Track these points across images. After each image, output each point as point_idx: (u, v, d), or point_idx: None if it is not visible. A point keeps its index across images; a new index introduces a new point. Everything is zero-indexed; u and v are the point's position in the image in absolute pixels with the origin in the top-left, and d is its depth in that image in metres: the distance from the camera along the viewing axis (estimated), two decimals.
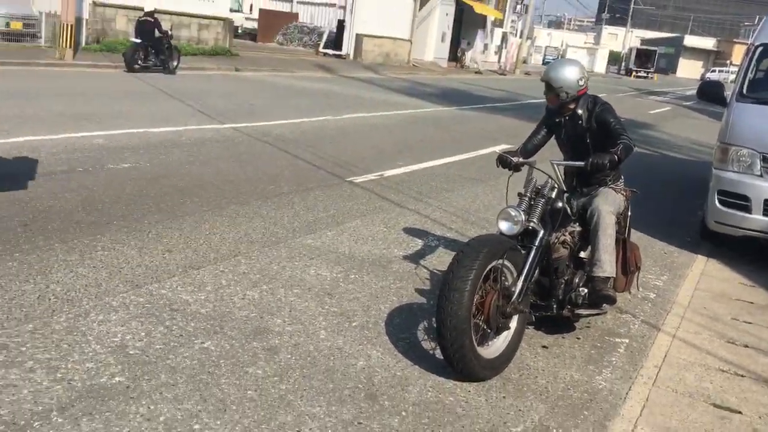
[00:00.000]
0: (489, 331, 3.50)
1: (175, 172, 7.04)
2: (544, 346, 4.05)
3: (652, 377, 3.76)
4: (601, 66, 68.04)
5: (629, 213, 4.49)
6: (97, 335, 3.48)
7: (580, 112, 4.08)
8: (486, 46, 42.22)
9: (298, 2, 34.27)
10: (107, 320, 3.66)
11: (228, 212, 5.88)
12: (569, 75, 3.97)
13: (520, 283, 3.57)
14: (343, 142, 10.28)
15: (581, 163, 3.88)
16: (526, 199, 3.82)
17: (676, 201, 8.98)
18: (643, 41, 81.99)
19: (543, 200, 3.78)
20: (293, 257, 4.99)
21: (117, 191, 6.06)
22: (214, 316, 3.86)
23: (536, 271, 3.78)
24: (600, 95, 4.36)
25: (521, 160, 4.17)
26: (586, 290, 3.95)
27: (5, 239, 4.60)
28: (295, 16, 33.84)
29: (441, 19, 37.11)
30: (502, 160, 4.17)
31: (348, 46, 30.22)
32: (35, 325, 3.51)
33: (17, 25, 17.53)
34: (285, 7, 34.28)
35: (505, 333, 3.59)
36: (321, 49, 30.46)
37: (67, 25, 16.09)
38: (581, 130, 4.11)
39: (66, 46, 16.09)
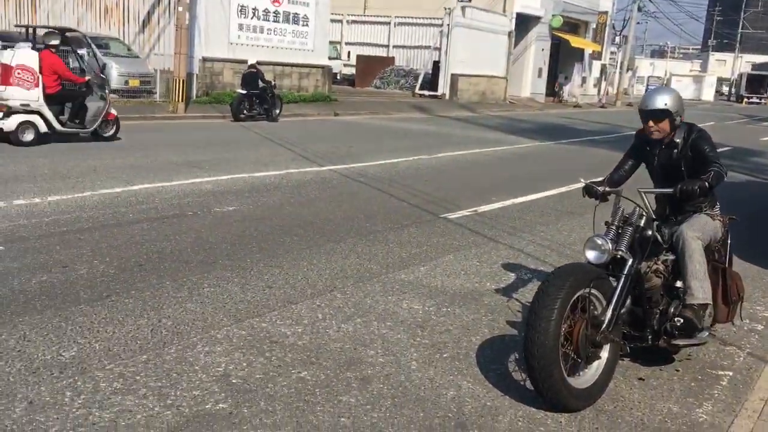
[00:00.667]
0: (579, 360, 3.48)
1: (277, 213, 7.39)
2: (640, 378, 3.96)
3: (757, 410, 3.60)
4: (708, 94, 65.33)
5: (729, 240, 4.35)
6: (203, 365, 3.72)
7: (677, 140, 4.02)
8: (584, 79, 41.62)
9: (394, 46, 35.11)
10: (212, 351, 3.90)
11: (325, 249, 6.12)
12: (677, 98, 3.96)
13: (609, 312, 3.53)
14: (438, 179, 10.43)
15: (670, 190, 3.84)
16: (614, 228, 3.79)
17: None
18: (754, 66, 78.16)
19: (631, 229, 3.73)
20: (386, 292, 5.13)
21: (223, 232, 6.43)
22: (311, 348, 4.03)
23: (628, 301, 3.72)
24: (707, 123, 4.31)
25: (608, 189, 4.13)
26: (681, 320, 3.84)
27: (123, 279, 4.99)
28: (392, 60, 34.66)
29: (537, 55, 36.99)
30: (589, 190, 4.16)
31: (444, 87, 30.61)
32: (148, 356, 3.80)
33: (135, 83, 18.95)
34: (382, 52, 35.19)
35: (596, 363, 3.56)
36: (417, 91, 31.01)
37: (179, 80, 17.26)
38: (677, 158, 4.04)
39: (178, 100, 17.23)
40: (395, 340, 4.23)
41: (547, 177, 11.43)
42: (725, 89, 73.48)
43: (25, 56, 10.75)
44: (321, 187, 9.15)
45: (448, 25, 30.01)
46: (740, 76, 69.57)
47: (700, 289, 3.85)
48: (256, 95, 17.49)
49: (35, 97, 10.82)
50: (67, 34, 12.66)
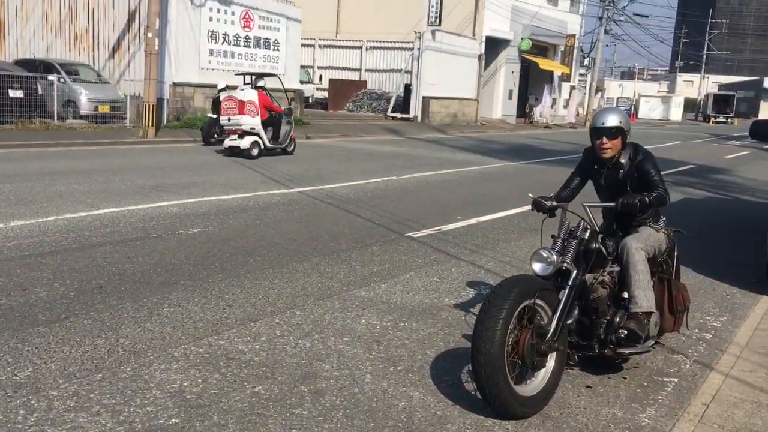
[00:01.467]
0: (526, 369, 3.59)
1: (242, 235, 7.45)
2: (588, 386, 4.07)
3: (698, 414, 3.72)
4: (677, 114, 66.70)
5: (676, 253, 4.53)
6: (158, 382, 3.77)
7: (623, 160, 4.20)
8: (554, 101, 42.27)
9: (366, 70, 35.47)
10: (168, 369, 3.95)
11: (288, 269, 6.19)
12: (627, 117, 4.20)
13: (554, 322, 3.65)
14: (405, 200, 10.56)
15: (612, 204, 4.01)
16: (560, 240, 3.93)
17: (743, 243, 8.75)
18: (721, 86, 79.97)
19: (576, 241, 3.87)
20: (346, 308, 5.21)
21: (186, 254, 6.48)
22: (267, 363, 4.09)
23: (575, 311, 3.86)
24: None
25: (555, 203, 4.28)
26: (625, 331, 3.96)
27: (83, 301, 5.02)
28: (364, 83, 34.99)
29: (507, 77, 37.57)
30: (537, 204, 4.32)
31: (415, 109, 30.94)
32: (104, 374, 3.83)
33: (105, 109, 18.94)
34: (354, 76, 35.52)
35: (542, 371, 3.67)
36: (389, 114, 31.30)
37: (149, 105, 17.29)
38: (623, 177, 4.22)
39: (149, 125, 17.25)
40: (351, 355, 4.31)
41: (512, 196, 11.61)
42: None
43: (250, 94, 15.02)
44: (288, 208, 9.23)
45: (419, 48, 30.42)
46: (707, 96, 71.16)
47: (644, 298, 4.01)
48: None
49: (257, 123, 14.81)
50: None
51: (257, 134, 14.83)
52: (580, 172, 4.51)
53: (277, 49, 23.38)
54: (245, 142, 14.57)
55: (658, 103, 69.26)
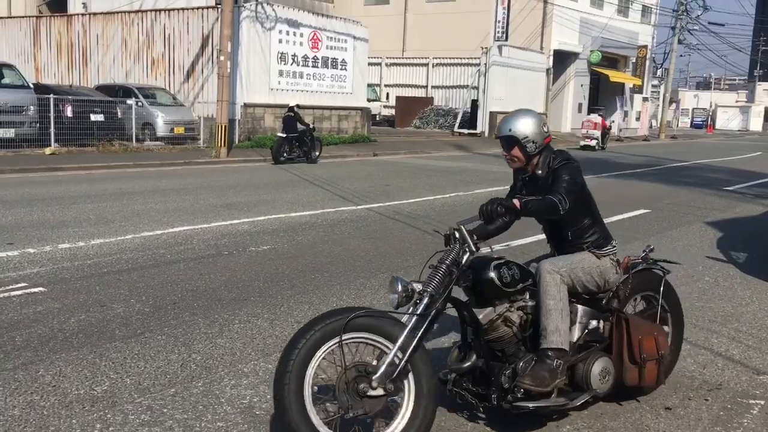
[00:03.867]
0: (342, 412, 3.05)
1: (310, 251, 7.52)
2: (667, 408, 3.89)
3: None
4: (756, 124, 64.11)
5: (662, 289, 3.92)
6: (228, 398, 3.81)
7: (539, 172, 3.61)
8: (626, 113, 41.30)
9: (432, 86, 35.54)
10: (238, 384, 3.99)
11: (356, 285, 6.20)
12: (528, 123, 3.54)
13: (389, 357, 3.03)
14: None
15: (478, 216, 3.37)
16: (433, 268, 3.32)
17: None
18: None
19: (444, 266, 3.28)
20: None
21: (256, 271, 6.57)
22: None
23: (472, 353, 3.38)
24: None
25: (453, 228, 3.49)
26: (522, 388, 3.28)
27: (157, 316, 5.15)
28: (431, 99, 35.05)
29: (576, 90, 36.98)
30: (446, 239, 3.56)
31: (483, 124, 30.76)
32: (176, 389, 3.90)
33: (180, 130, 19.59)
34: (420, 93, 35.64)
35: (397, 416, 3.11)
36: (456, 129, 31.23)
37: (222, 126, 17.77)
38: (540, 189, 3.58)
39: (221, 145, 17.72)
40: None
41: None
42: None
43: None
44: (355, 225, 9.28)
45: (486, 64, 30.29)
46: None
47: (553, 331, 3.35)
48: (296, 138, 17.86)
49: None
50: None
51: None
52: (512, 188, 3.89)
53: (345, 69, 23.69)
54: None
55: (737, 113, 66.70)
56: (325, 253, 7.46)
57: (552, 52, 34.27)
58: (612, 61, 40.00)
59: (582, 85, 37.37)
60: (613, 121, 39.30)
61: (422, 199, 11.96)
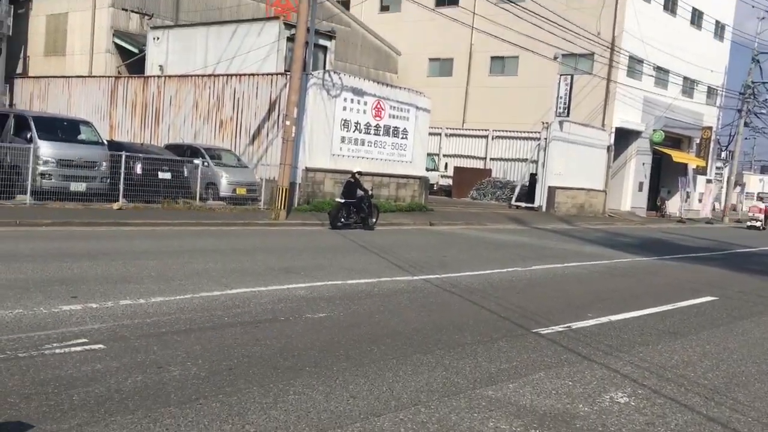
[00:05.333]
0: None
1: (366, 321, 7.42)
2: None
3: None
4: None
5: None
6: None
7: None
8: (688, 194, 40.43)
9: (491, 158, 35.64)
10: None
11: (412, 360, 6.05)
12: None
13: None
14: (531, 292, 10.23)
15: None
16: None
17: None
18: None
19: None
20: (472, 408, 4.97)
21: (312, 339, 6.51)
22: None
23: None
24: None
25: None
26: None
27: (213, 382, 5.11)
28: (489, 171, 35.08)
29: (637, 169, 36.51)
30: None
31: (540, 199, 30.51)
32: None
33: (242, 191, 20.01)
34: (479, 164, 35.76)
35: None
36: (514, 203, 31.05)
37: (282, 189, 18.08)
38: None
39: (281, 208, 17.99)
40: None
41: (646, 294, 11.00)
42: None
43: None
44: (412, 296, 9.16)
45: (546, 138, 30.26)
46: None
47: None
48: (354, 204, 18.00)
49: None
50: None
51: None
52: None
53: (406, 138, 23.99)
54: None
55: None
56: (381, 324, 7.36)
57: (614, 129, 34.05)
58: (675, 140, 39.48)
59: (644, 164, 36.86)
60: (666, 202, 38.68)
61: (479, 273, 11.79)
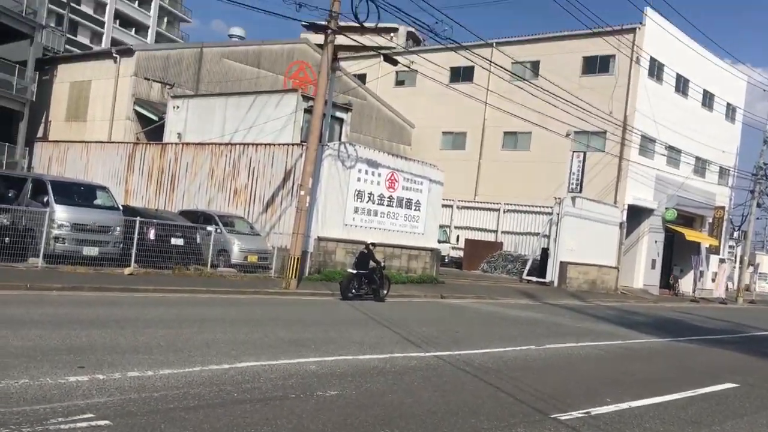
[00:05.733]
0: None
1: (379, 401, 7.21)
2: None
3: None
4: None
5: None
6: None
7: None
8: (701, 273, 40.05)
9: (502, 232, 35.59)
10: None
11: None
12: None
13: None
14: (547, 373, 9.97)
15: None
16: None
17: None
18: None
19: None
20: None
21: (324, 420, 6.30)
22: None
23: None
24: None
25: None
26: None
27: None
28: (500, 244, 34.98)
29: (650, 246, 36.33)
30: None
31: (552, 273, 30.29)
32: None
33: (253, 259, 19.98)
34: (490, 237, 35.69)
35: None
36: (525, 276, 30.81)
37: (294, 258, 18.03)
38: None
39: (292, 276, 17.89)
40: None
41: (665, 378, 10.70)
42: None
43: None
44: (425, 374, 8.94)
45: (558, 213, 30.27)
46: None
47: None
48: (366, 275, 17.89)
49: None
50: None
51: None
52: None
53: (418, 209, 24.05)
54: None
55: None
56: (394, 405, 7.13)
57: (626, 207, 34.09)
58: (688, 219, 39.41)
59: (656, 242, 36.71)
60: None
61: (493, 350, 11.54)
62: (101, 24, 65.79)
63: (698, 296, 36.81)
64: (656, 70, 35.67)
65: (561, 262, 30.28)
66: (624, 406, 8.29)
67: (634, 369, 11.36)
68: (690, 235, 38.16)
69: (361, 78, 40.85)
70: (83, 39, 62.36)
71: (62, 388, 6.43)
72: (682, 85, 37.76)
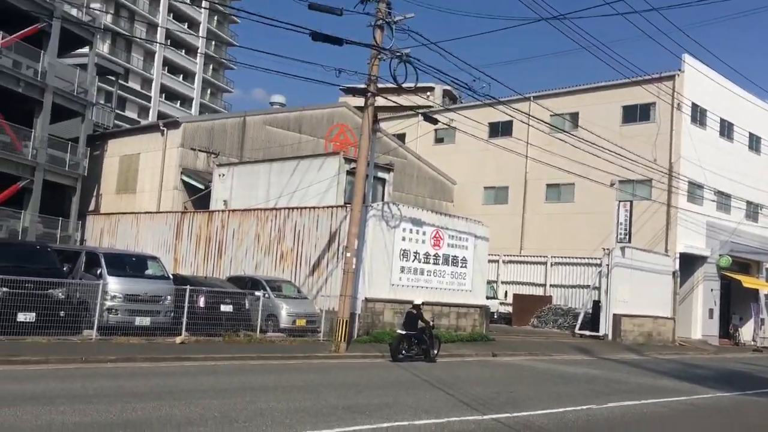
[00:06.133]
0: None
1: None
2: None
3: None
4: None
5: None
6: None
7: None
8: (763, 321, 38.52)
9: (551, 285, 34.98)
10: None
11: None
12: None
13: None
14: None
15: None
16: None
17: None
18: None
19: None
20: None
21: None
22: None
23: None
24: None
25: None
26: None
27: None
28: (549, 298, 34.34)
29: (706, 295, 35.22)
30: None
31: (605, 327, 29.47)
32: None
33: (302, 323, 19.93)
34: (538, 291, 35.10)
35: None
36: (577, 331, 30.06)
37: (343, 320, 17.91)
38: None
39: (341, 340, 17.74)
40: None
41: None
42: None
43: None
44: None
45: (608, 264, 29.64)
46: None
47: None
48: (415, 335, 17.64)
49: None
50: None
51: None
52: None
53: (465, 266, 23.82)
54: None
55: None
56: None
57: (678, 255, 33.25)
58: (743, 265, 38.19)
59: (712, 290, 35.58)
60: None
61: (552, 411, 11.15)
62: (148, 99, 68.30)
63: (761, 345, 35.34)
64: (699, 115, 35.27)
65: (614, 315, 29.48)
66: None
67: (704, 428, 10.82)
68: (747, 281, 36.91)
69: (401, 138, 41.32)
70: (131, 114, 64.72)
71: None
72: (726, 129, 37.19)
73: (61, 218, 30.96)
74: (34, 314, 14.71)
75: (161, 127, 32.10)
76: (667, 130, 33.88)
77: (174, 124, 31.94)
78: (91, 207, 34.20)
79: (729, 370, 22.01)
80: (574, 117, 36.52)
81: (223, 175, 28.52)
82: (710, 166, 34.22)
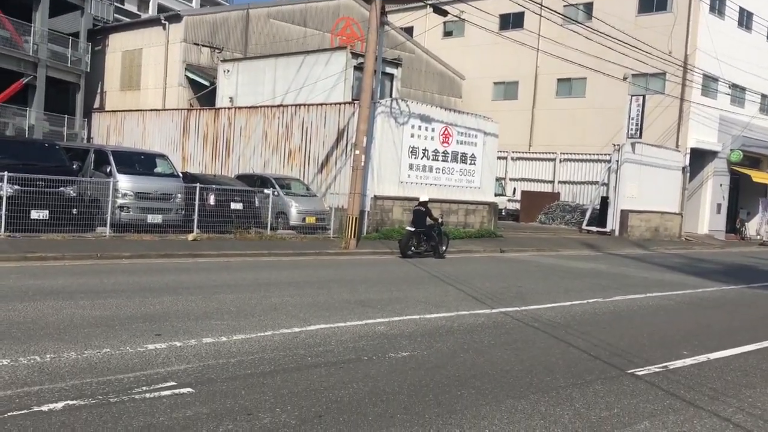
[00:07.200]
0: None
1: (451, 361, 7.17)
2: None
3: None
4: None
5: None
6: None
7: None
8: None
9: (559, 182, 34.93)
10: None
11: (506, 406, 5.77)
12: None
13: None
14: (618, 327, 9.78)
15: None
16: None
17: None
18: None
19: None
20: None
21: (399, 381, 6.30)
22: None
23: None
24: None
25: None
26: None
27: (303, 430, 4.94)
28: (557, 195, 34.37)
29: (714, 190, 35.15)
30: None
31: (613, 222, 29.65)
32: None
33: (312, 220, 20.09)
34: (547, 187, 35.09)
35: None
36: (584, 227, 30.25)
37: (352, 218, 18.04)
38: None
39: (351, 236, 17.93)
40: None
41: (743, 328, 10.38)
42: None
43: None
44: (495, 332, 8.86)
45: (618, 161, 29.45)
46: None
47: None
48: (424, 232, 17.81)
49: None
50: None
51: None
52: None
53: (474, 163, 23.72)
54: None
55: None
56: (467, 365, 7.09)
57: (688, 150, 32.95)
58: (754, 160, 37.85)
59: (721, 185, 35.46)
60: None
61: (559, 305, 11.38)
62: None
63: (767, 239, 35.59)
64: (717, 3, 33.96)
65: (622, 211, 29.59)
66: (702, 358, 8.07)
67: (710, 320, 11.05)
68: (757, 176, 36.70)
69: (409, 31, 40.11)
70: (130, 6, 62.78)
71: (142, 356, 6.58)
72: (745, 19, 35.88)
73: (66, 116, 30.71)
74: (47, 212, 14.83)
75: (163, 21, 31.21)
76: (684, 21, 32.73)
77: (176, 17, 31.02)
78: (96, 104, 33.84)
79: (736, 264, 22.28)
80: (588, 7, 35.21)
81: (228, 71, 27.97)
82: (726, 58, 33.27)
